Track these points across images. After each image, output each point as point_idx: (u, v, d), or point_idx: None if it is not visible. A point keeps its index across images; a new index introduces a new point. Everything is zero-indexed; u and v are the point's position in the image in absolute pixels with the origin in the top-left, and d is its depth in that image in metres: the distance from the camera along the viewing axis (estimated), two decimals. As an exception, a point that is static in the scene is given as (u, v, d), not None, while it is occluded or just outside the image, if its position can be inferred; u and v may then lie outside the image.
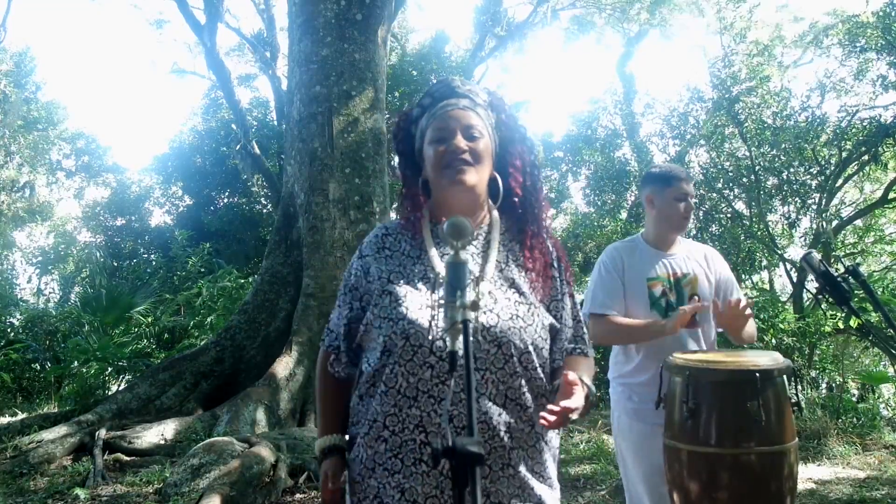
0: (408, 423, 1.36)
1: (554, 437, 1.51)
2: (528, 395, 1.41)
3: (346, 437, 1.51)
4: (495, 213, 1.54)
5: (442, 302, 1.16)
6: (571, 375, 1.35)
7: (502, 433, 1.38)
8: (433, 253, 1.47)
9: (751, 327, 2.55)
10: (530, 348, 1.41)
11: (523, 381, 1.41)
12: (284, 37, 12.88)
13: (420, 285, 1.43)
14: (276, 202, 9.75)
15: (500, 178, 1.51)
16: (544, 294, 1.50)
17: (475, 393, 1.34)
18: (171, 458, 4.92)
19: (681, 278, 2.64)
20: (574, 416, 1.31)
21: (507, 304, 1.42)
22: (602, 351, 8.66)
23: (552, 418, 1.29)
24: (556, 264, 1.55)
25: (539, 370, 1.44)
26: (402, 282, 1.44)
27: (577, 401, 1.32)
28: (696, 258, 2.70)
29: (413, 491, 1.35)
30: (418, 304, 1.40)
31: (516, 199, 1.53)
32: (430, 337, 1.36)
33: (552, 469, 1.49)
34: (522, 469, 1.41)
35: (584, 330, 1.58)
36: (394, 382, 1.38)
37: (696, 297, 2.60)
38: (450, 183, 1.46)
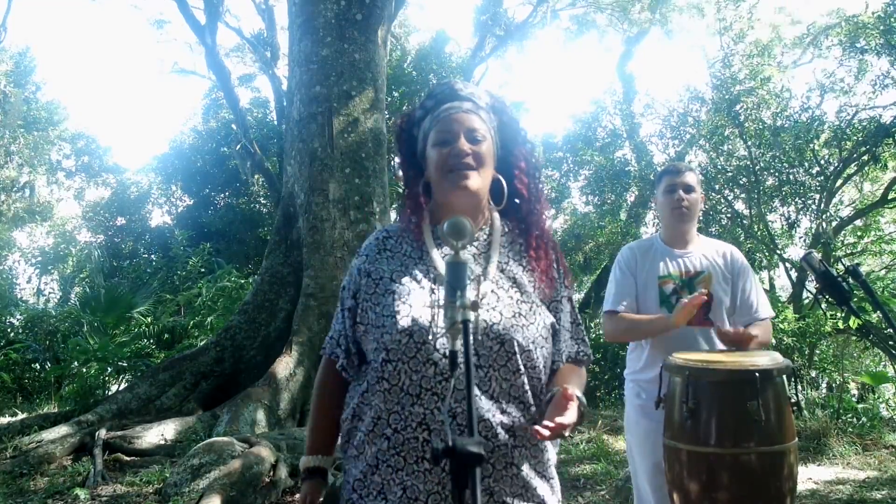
0: (410, 420, 1.36)
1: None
2: (529, 394, 1.42)
3: (332, 457, 1.56)
4: (496, 215, 1.55)
5: (442, 301, 1.16)
6: (571, 390, 1.35)
7: (504, 431, 1.38)
8: (434, 254, 1.48)
9: (761, 336, 2.51)
10: (532, 346, 1.42)
11: (525, 380, 1.41)
12: (284, 37, 12.87)
13: (423, 284, 1.44)
14: (276, 202, 9.75)
15: (503, 181, 1.52)
16: (546, 294, 1.51)
17: (476, 392, 1.34)
18: (171, 458, 4.92)
19: (694, 276, 2.64)
20: (566, 433, 1.31)
21: (509, 303, 1.43)
22: (602, 352, 8.69)
23: (546, 433, 1.29)
24: (556, 265, 1.56)
25: (539, 369, 1.44)
26: (404, 280, 1.45)
27: (570, 416, 1.32)
28: (712, 256, 2.69)
29: (415, 488, 1.35)
30: (421, 303, 1.40)
31: (519, 201, 1.55)
32: (431, 335, 1.36)
33: (553, 467, 1.49)
34: (525, 468, 1.41)
35: (583, 332, 1.59)
36: (397, 380, 1.38)
37: (710, 295, 2.59)
38: (452, 187, 1.47)
